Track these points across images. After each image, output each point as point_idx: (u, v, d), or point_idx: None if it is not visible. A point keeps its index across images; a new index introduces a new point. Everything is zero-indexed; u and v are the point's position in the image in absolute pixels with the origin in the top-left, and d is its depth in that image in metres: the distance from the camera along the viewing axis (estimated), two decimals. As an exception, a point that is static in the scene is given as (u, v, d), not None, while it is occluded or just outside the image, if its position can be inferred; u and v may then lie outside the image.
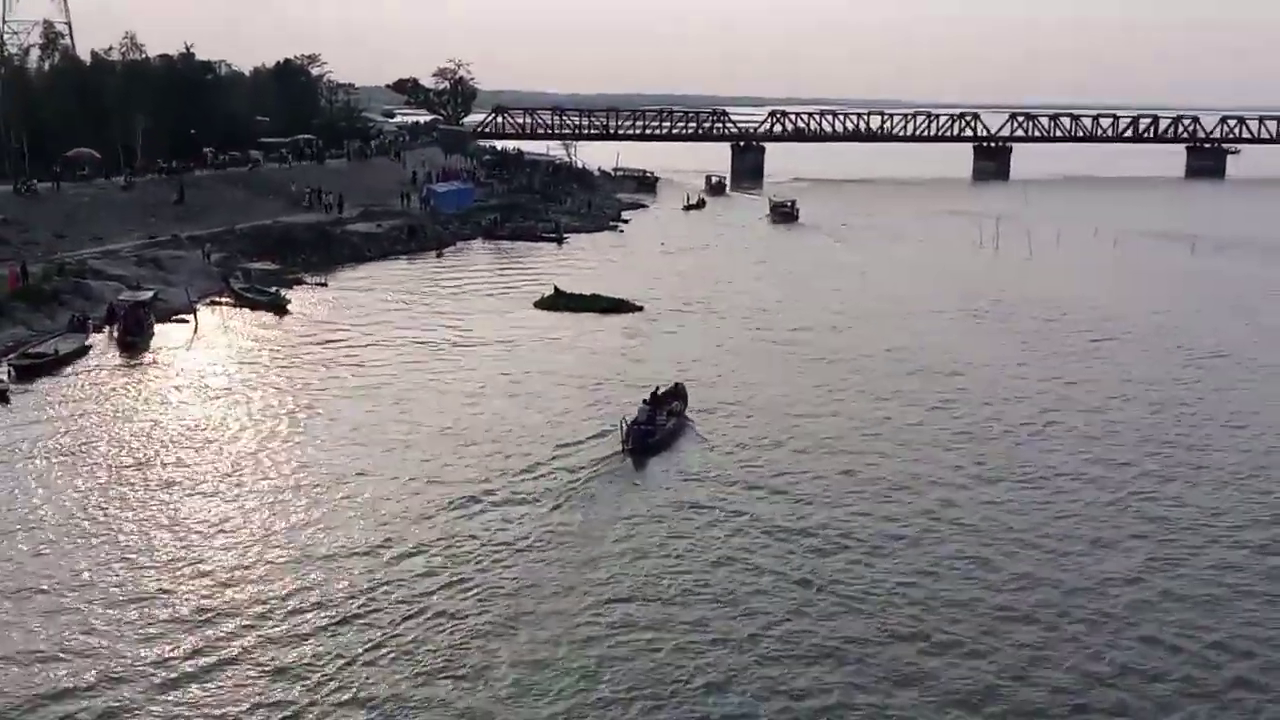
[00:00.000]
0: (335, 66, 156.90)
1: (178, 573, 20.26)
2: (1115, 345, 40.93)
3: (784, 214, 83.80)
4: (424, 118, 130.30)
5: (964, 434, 29.40)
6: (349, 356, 36.91)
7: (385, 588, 19.71)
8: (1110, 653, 18.09)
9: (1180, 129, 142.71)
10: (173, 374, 34.66)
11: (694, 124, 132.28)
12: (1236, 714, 16.61)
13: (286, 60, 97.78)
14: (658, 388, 30.54)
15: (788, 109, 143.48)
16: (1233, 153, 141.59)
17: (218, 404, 31.12)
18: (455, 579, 20.13)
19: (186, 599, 19.26)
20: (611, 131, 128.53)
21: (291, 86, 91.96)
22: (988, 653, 17.95)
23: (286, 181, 68.15)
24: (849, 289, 52.63)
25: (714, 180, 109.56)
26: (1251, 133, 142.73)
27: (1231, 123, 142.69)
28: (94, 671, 16.93)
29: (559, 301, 46.50)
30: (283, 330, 41.38)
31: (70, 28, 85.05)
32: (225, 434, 28.35)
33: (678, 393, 31.12)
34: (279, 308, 44.43)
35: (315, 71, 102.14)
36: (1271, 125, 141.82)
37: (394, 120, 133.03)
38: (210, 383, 33.47)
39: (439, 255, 61.96)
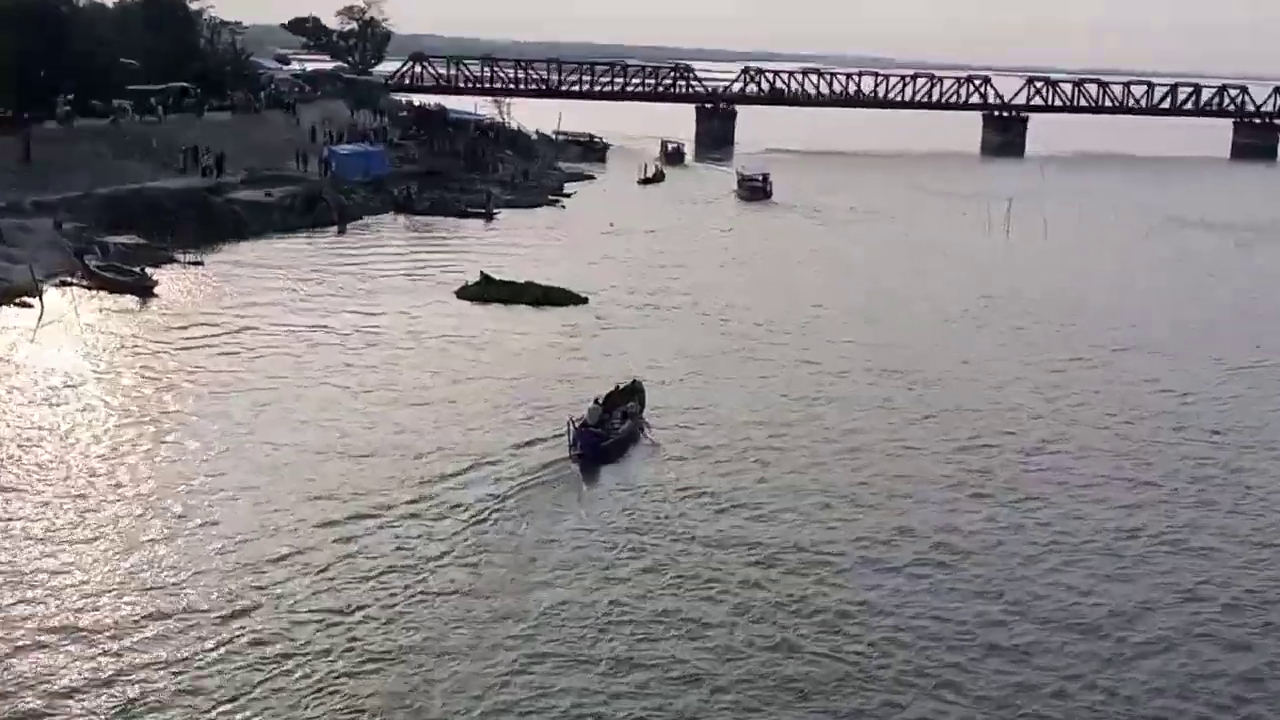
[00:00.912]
0: (220, 1, 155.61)
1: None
2: (1141, 353, 41.63)
3: (754, 189, 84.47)
4: (326, 65, 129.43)
5: (960, 451, 29.96)
6: (228, 351, 36.63)
7: (233, 645, 19.27)
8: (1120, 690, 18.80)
9: (1226, 101, 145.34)
10: (11, 368, 34.15)
11: (652, 81, 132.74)
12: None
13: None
14: (617, 385, 31.59)
15: (764, 66, 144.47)
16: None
17: (66, 407, 30.73)
18: (329, 621, 20.05)
19: (15, 637, 19.01)
20: (553, 88, 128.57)
21: (165, 23, 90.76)
22: (969, 686, 18.98)
23: (157, 138, 67.33)
24: (830, 281, 53.09)
25: (671, 148, 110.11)
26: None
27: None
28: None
29: (487, 291, 46.44)
30: (148, 318, 40.96)
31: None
32: (72, 442, 28.02)
33: (634, 392, 31.82)
34: (144, 290, 44.01)
35: (194, 6, 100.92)
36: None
37: (289, 67, 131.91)
38: (56, 380, 33.03)
39: (341, 231, 61.60)
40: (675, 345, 40.01)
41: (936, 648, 20.03)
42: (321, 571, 21.77)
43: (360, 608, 20.53)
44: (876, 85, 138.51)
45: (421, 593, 21.11)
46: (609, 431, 28.96)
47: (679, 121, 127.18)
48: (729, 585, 21.95)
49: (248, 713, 17.45)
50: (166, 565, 21.85)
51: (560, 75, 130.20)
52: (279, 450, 28.01)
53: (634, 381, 32.65)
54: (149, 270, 46.08)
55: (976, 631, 20.66)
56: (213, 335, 38.55)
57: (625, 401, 31.17)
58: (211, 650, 19.01)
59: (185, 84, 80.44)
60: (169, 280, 46.33)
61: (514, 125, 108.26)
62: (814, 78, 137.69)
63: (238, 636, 19.42)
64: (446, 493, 25.68)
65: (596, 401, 30.07)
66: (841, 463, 28.88)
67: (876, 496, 26.76)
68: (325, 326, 40.38)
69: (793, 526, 24.76)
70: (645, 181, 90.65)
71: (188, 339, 38.00)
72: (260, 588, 21.07)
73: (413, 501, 25.12)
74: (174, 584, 21.12)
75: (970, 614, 21.27)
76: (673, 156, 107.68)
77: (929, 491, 27.17)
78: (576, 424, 28.56)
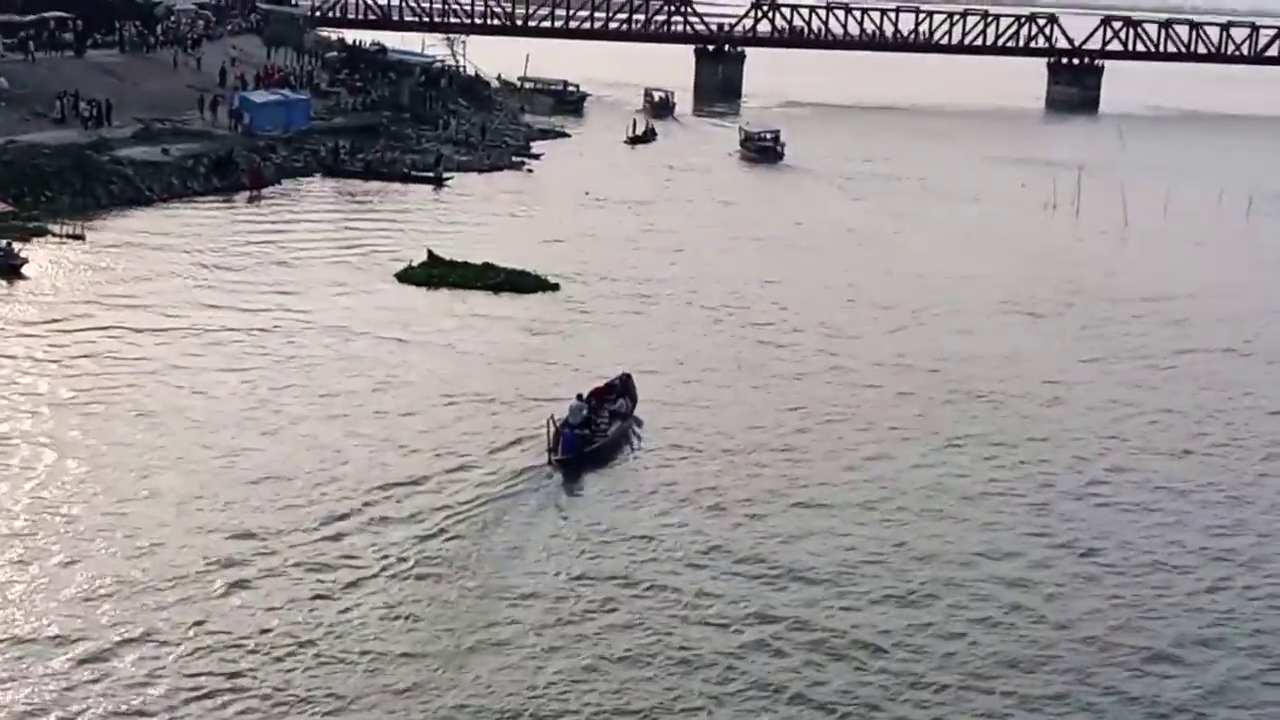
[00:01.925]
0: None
1: None
2: (1241, 364, 41.78)
3: (762, 149, 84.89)
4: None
5: (1005, 477, 30.36)
6: (112, 346, 36.48)
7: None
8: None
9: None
10: None
11: (641, 17, 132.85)
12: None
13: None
14: (616, 375, 33.51)
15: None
16: None
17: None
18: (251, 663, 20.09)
19: None
20: (519, 24, 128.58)
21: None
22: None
23: (27, 81, 67.11)
24: (855, 267, 53.20)
25: (657, 97, 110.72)
26: None
27: None
28: None
29: (435, 273, 46.49)
30: (15, 303, 40.80)
31: None
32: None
33: (625, 388, 32.89)
34: (8, 270, 43.80)
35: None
36: None
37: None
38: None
39: (254, 198, 61.43)
40: (666, 342, 40.11)
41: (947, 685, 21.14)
42: (205, 629, 21.75)
43: (291, 649, 20.84)
44: (917, 24, 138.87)
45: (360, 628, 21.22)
46: (595, 433, 29.82)
47: (674, 67, 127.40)
48: (731, 614, 22.76)
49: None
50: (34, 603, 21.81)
51: (528, 8, 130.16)
52: (165, 471, 27.92)
53: (624, 375, 33.50)
54: (15, 246, 45.87)
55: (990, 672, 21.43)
56: (94, 328, 38.28)
57: (614, 399, 32.04)
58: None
59: (62, 14, 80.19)
60: (42, 257, 46.05)
61: (470, 70, 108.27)
62: (840, 14, 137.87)
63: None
64: (375, 533, 25.65)
65: (580, 398, 30.86)
66: (866, 484, 29.45)
67: (905, 515, 27.71)
68: (236, 315, 40.24)
69: (807, 549, 25.65)
70: (634, 140, 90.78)
71: (62, 332, 37.72)
72: (134, 641, 21.03)
73: (326, 539, 25.11)
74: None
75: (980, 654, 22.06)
76: (659, 108, 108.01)
77: (970, 530, 27.42)
78: (557, 424, 29.17)
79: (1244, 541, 27.63)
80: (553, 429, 29.24)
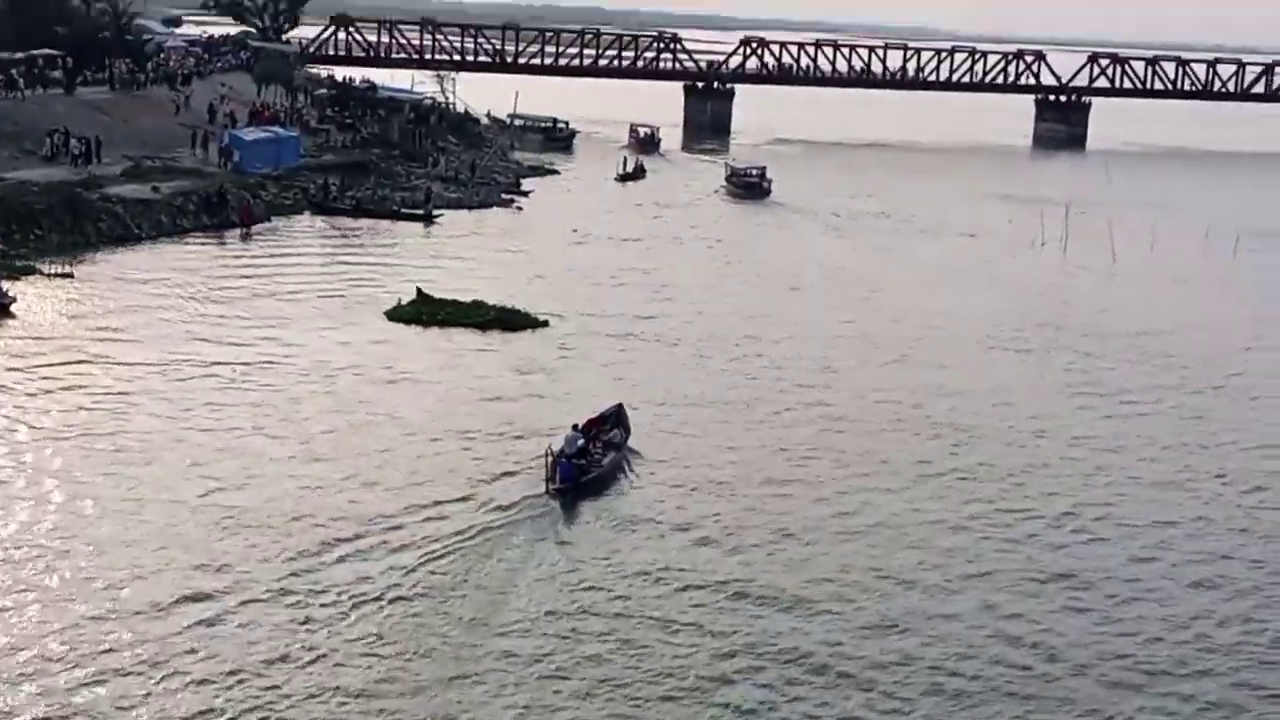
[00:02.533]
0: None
1: None
2: (1228, 400, 41.98)
3: (748, 185, 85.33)
4: (230, 29, 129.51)
5: (997, 516, 30.59)
6: (101, 385, 36.52)
7: None
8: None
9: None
10: None
11: (631, 53, 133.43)
12: None
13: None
14: (609, 407, 34.24)
15: (768, 36, 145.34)
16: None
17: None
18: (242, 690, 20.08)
19: None
20: (509, 61, 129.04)
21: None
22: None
23: (17, 118, 67.20)
24: (844, 304, 53.45)
25: (643, 133, 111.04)
26: None
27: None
28: None
29: (424, 311, 46.54)
30: (2, 342, 40.77)
31: None
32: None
33: (618, 419, 33.75)
34: (-2, 309, 43.81)
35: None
36: None
37: (181, 32, 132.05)
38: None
39: (245, 235, 61.49)
40: (656, 377, 40.38)
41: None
42: (185, 661, 21.74)
43: (290, 671, 21.04)
44: (905, 61, 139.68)
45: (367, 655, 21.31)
46: (591, 463, 30.68)
47: (664, 103, 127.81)
48: (723, 643, 23.37)
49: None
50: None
51: (518, 45, 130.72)
52: (156, 513, 27.93)
53: (617, 406, 34.29)
54: (4, 284, 45.87)
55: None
56: (81, 366, 38.31)
57: (608, 429, 32.95)
58: None
59: (52, 52, 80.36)
60: (30, 295, 46.04)
61: (460, 106, 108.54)
62: (828, 51, 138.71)
63: None
64: (369, 564, 25.75)
65: (575, 428, 31.59)
66: (852, 515, 30.06)
67: (892, 546, 28.34)
68: (226, 352, 40.29)
69: (796, 578, 26.32)
70: (624, 177, 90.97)
71: (51, 371, 37.73)
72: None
73: (321, 568, 25.14)
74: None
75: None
76: (645, 144, 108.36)
77: (955, 561, 27.87)
78: (554, 454, 29.96)
79: (1234, 569, 28.09)
80: (549, 458, 29.91)
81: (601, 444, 32.34)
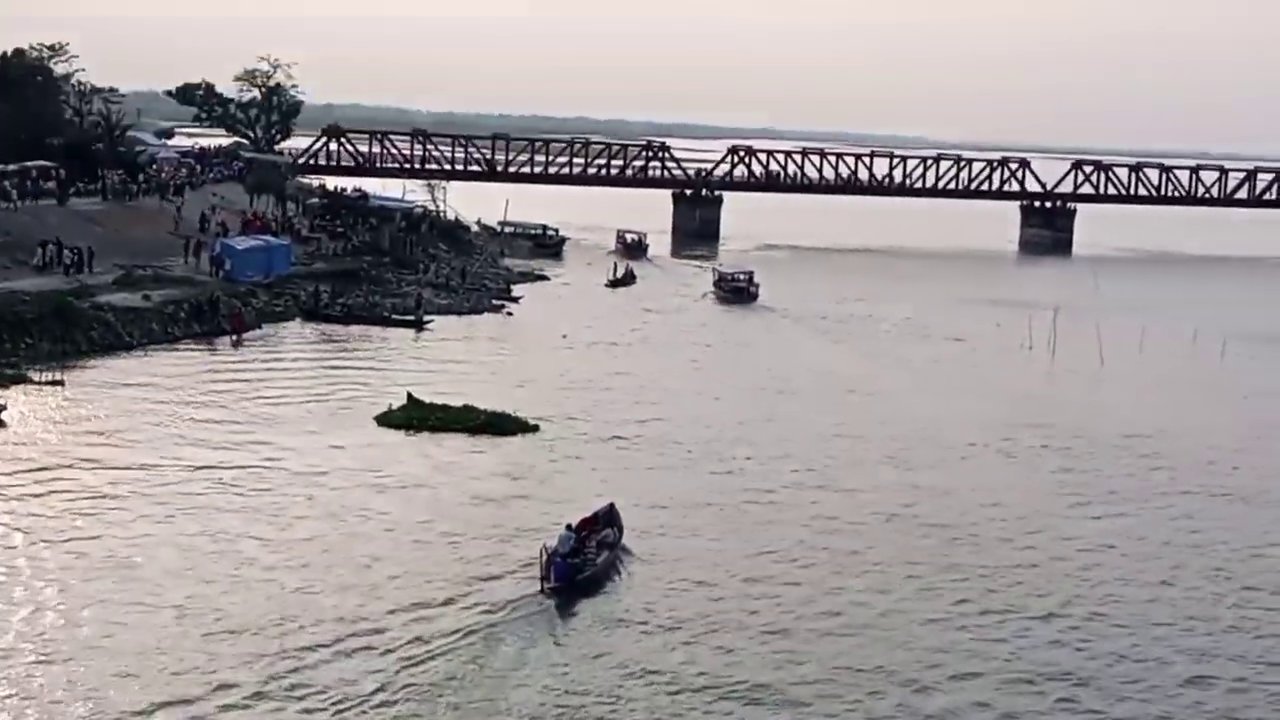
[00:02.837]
0: (90, 62, 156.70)
1: None
2: (1218, 504, 42.01)
3: (735, 289, 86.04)
4: (222, 140, 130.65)
5: (987, 614, 30.79)
6: (91, 490, 36.54)
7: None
8: None
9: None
10: None
11: (621, 161, 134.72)
12: None
13: (16, 51, 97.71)
14: (602, 506, 34.73)
15: (755, 144, 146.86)
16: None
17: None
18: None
19: None
20: (499, 170, 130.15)
21: (21, 89, 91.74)
22: None
23: (10, 228, 67.57)
24: (832, 409, 53.52)
25: (630, 239, 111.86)
26: None
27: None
28: None
29: (414, 416, 46.65)
30: (-7, 450, 40.86)
31: None
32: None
33: (610, 518, 34.17)
34: (-11, 416, 43.87)
35: (59, 69, 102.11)
36: None
37: (173, 143, 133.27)
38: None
39: (237, 342, 61.70)
40: (646, 481, 40.51)
41: None
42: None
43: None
44: (892, 168, 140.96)
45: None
46: (585, 562, 31.03)
47: (653, 210, 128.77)
48: None
49: None
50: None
51: (508, 154, 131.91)
52: (143, 616, 27.91)
53: (609, 506, 34.64)
54: (-5, 392, 46.02)
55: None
56: (70, 475, 38.31)
57: (601, 528, 33.30)
58: None
59: (45, 163, 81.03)
60: (20, 404, 46.15)
61: (451, 214, 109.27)
62: (815, 159, 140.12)
63: None
64: (364, 662, 25.72)
65: (569, 528, 31.88)
66: (841, 614, 30.37)
67: (881, 646, 28.50)
68: (213, 461, 40.31)
69: (788, 677, 26.63)
70: (614, 283, 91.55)
71: (40, 475, 37.80)
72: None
73: (319, 665, 25.05)
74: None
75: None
76: (632, 249, 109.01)
77: (947, 660, 28.05)
78: (549, 553, 30.26)
79: (1223, 668, 28.24)
80: (544, 558, 30.18)
81: (595, 543, 32.65)
